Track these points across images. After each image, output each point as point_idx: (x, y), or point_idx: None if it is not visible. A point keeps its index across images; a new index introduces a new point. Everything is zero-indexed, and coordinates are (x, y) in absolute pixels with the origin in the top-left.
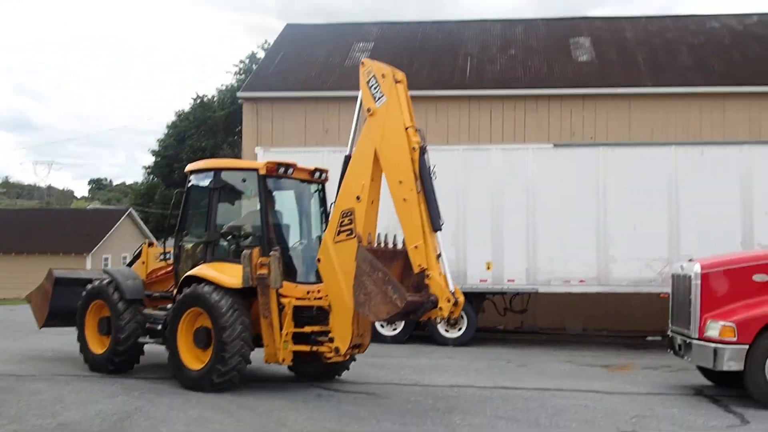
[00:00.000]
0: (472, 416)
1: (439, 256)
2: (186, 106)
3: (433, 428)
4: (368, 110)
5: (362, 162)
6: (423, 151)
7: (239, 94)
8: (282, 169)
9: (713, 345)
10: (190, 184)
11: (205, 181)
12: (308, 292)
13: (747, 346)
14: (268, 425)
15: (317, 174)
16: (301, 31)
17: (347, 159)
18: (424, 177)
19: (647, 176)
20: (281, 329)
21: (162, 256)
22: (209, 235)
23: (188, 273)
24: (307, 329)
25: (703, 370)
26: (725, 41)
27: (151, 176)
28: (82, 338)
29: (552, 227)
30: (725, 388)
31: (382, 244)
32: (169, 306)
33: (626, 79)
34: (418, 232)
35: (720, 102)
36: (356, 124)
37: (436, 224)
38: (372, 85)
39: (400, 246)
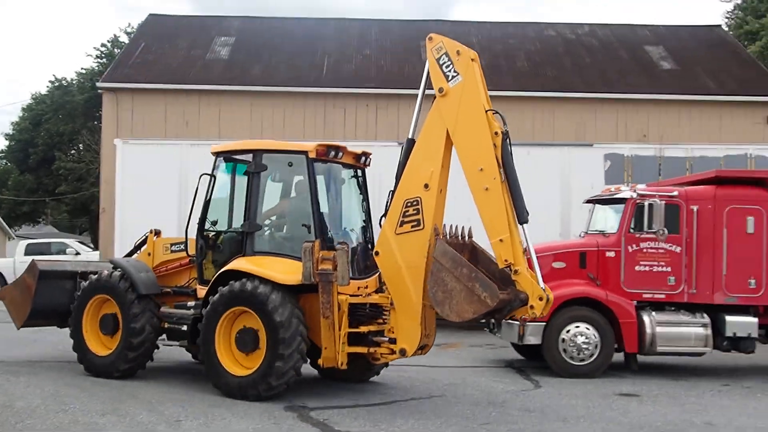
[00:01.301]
0: (309, 383)
1: (525, 250)
2: (42, 88)
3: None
4: (440, 90)
5: (431, 146)
6: (506, 136)
7: (99, 84)
8: (332, 153)
9: (517, 323)
10: (219, 167)
11: (239, 164)
12: (358, 288)
13: (544, 324)
14: (120, 397)
15: (363, 159)
16: (164, 21)
17: (410, 142)
18: (507, 165)
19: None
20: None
21: (176, 247)
22: (250, 225)
23: (230, 267)
24: (363, 329)
25: (515, 346)
26: (559, 49)
27: (4, 161)
28: (79, 339)
29: None
30: (534, 360)
31: (449, 236)
32: (190, 303)
33: None
34: (503, 224)
35: (550, 106)
36: (420, 105)
37: (522, 216)
38: (443, 63)
39: (466, 238)
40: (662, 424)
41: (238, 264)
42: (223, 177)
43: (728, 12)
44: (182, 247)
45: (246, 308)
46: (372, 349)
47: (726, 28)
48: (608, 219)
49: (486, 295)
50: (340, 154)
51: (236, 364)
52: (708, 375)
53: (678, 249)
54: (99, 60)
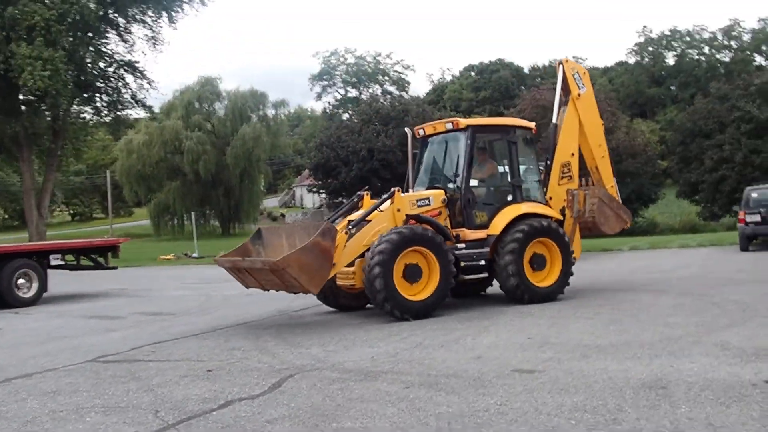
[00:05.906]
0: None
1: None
2: None
3: None
4: (578, 95)
5: (573, 130)
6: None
7: None
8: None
9: None
10: (472, 138)
11: (496, 136)
12: None
13: None
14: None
15: None
16: None
17: (555, 126)
18: (606, 143)
19: None
20: None
21: (422, 202)
22: (518, 180)
23: (527, 211)
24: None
25: None
26: None
27: None
28: (392, 287)
29: None
30: None
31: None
32: (460, 245)
33: None
34: (611, 177)
35: None
36: (559, 103)
37: (613, 172)
38: (576, 78)
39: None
40: None
41: (528, 208)
42: (487, 144)
43: None
44: (428, 201)
45: (546, 239)
46: None
47: None
48: None
49: (626, 216)
50: None
51: (535, 281)
52: None
53: None
54: None
